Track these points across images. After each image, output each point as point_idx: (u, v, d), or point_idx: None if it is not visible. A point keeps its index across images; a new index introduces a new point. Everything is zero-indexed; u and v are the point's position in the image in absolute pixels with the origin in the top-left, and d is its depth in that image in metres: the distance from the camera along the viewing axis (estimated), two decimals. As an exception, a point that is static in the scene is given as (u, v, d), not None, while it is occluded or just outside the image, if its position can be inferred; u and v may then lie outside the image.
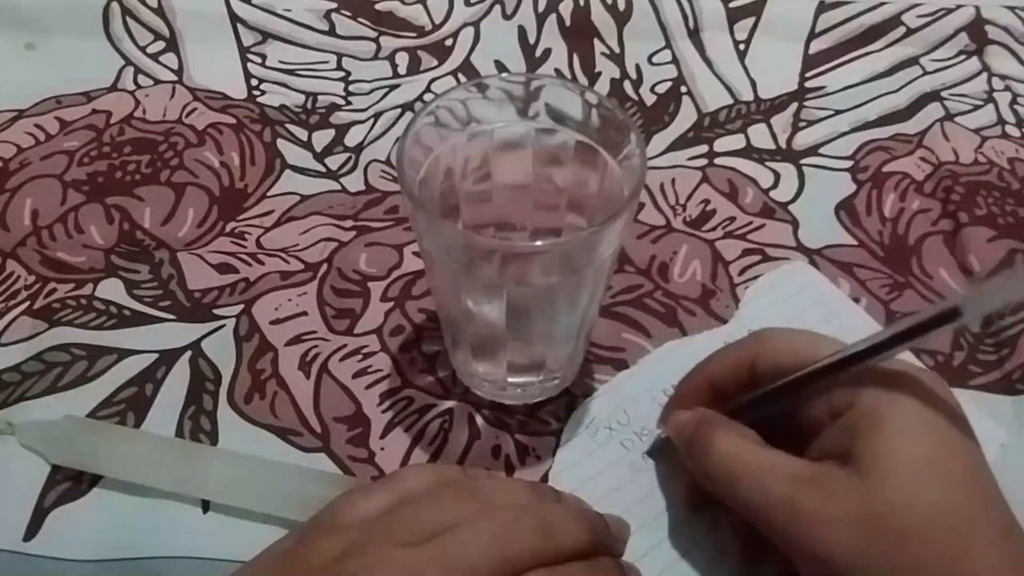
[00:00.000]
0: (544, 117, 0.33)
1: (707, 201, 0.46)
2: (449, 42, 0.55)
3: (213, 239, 0.44)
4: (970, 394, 0.38)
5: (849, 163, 0.48)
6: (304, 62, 0.53)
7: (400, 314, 0.41)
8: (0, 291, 0.41)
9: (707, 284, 0.42)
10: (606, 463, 0.35)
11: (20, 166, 0.47)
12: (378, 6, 0.56)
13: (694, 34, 0.55)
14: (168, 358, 0.39)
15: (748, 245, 0.44)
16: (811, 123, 0.51)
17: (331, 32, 0.55)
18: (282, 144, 0.49)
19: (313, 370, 0.39)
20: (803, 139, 0.50)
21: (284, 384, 0.38)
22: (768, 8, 0.56)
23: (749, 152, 0.49)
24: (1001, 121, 0.51)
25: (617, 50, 0.54)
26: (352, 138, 0.49)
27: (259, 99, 0.51)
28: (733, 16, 0.56)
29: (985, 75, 0.53)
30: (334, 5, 0.55)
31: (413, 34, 0.55)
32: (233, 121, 0.50)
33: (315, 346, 0.39)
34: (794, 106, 0.51)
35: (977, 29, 0.55)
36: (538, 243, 0.32)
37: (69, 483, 0.35)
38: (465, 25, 0.55)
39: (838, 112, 0.51)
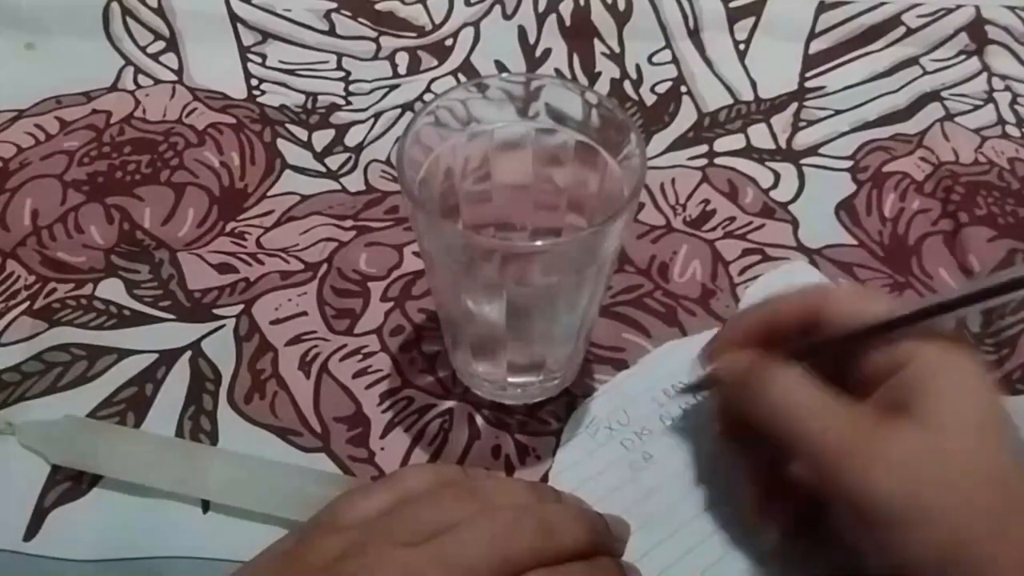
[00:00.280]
0: (544, 117, 0.33)
1: (707, 201, 0.46)
2: (449, 42, 0.55)
3: (213, 239, 0.44)
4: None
5: (849, 163, 0.48)
6: (304, 62, 0.53)
7: (400, 314, 0.41)
8: (0, 291, 0.41)
9: (707, 284, 0.42)
10: (606, 463, 0.36)
11: (20, 166, 0.47)
12: (378, 6, 0.56)
13: (694, 34, 0.55)
14: (168, 358, 0.39)
15: (748, 245, 0.44)
16: (811, 123, 0.51)
17: (331, 32, 0.55)
18: (282, 144, 0.49)
19: (313, 370, 0.39)
20: (803, 139, 0.50)
21: (284, 384, 0.38)
22: (768, 8, 0.56)
23: (749, 152, 0.49)
24: (1001, 121, 0.51)
25: (617, 50, 0.54)
26: (352, 138, 0.49)
27: (259, 99, 0.51)
28: (733, 16, 0.56)
29: (985, 75, 0.53)
30: (334, 5, 0.55)
31: (413, 34, 0.55)
32: (233, 121, 0.50)
33: (315, 346, 0.39)
34: (794, 106, 0.51)
35: (977, 29, 0.55)
36: (538, 243, 0.32)
37: (69, 483, 0.35)
38: (465, 25, 0.55)
39: (838, 112, 0.51)
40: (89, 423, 0.36)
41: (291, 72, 0.53)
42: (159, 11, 0.54)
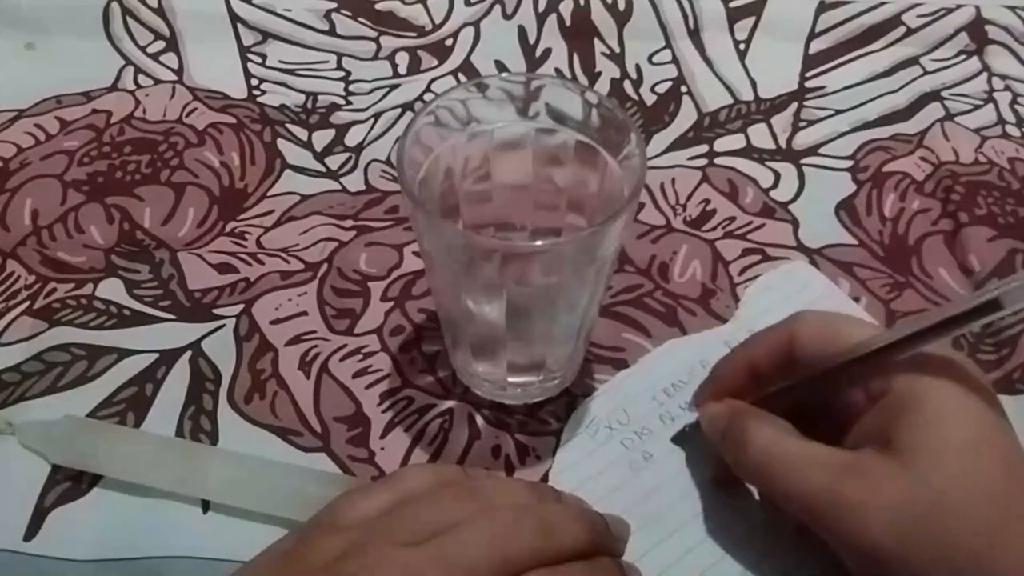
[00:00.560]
0: (544, 117, 0.33)
1: (707, 201, 0.46)
2: (449, 42, 0.54)
3: (213, 239, 0.44)
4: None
5: (849, 163, 0.48)
6: (304, 62, 0.53)
7: (400, 314, 0.41)
8: (0, 291, 0.41)
9: (707, 284, 0.42)
10: (606, 463, 0.35)
11: (20, 166, 0.47)
12: (378, 6, 0.56)
13: (694, 34, 0.55)
14: (168, 358, 0.39)
15: (748, 245, 0.44)
16: (811, 123, 0.51)
17: (331, 32, 0.55)
18: (282, 144, 0.49)
19: (313, 370, 0.39)
20: (803, 139, 0.50)
21: (284, 384, 0.38)
22: (768, 8, 0.56)
23: (749, 152, 0.49)
24: (1001, 121, 0.51)
25: (617, 50, 0.54)
26: (352, 138, 0.49)
27: (259, 99, 0.51)
28: (733, 16, 0.56)
29: (985, 75, 0.53)
30: (334, 5, 0.55)
31: (413, 34, 0.55)
32: (233, 121, 0.50)
33: (315, 346, 0.39)
34: (794, 106, 0.51)
35: (977, 29, 0.55)
36: (538, 243, 0.32)
37: (69, 483, 0.35)
38: (465, 25, 0.55)
39: (838, 112, 0.51)
40: (89, 423, 0.36)
41: (291, 72, 0.53)
42: (159, 11, 0.54)
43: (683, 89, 0.52)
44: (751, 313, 0.40)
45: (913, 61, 0.54)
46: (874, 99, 0.52)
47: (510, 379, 0.36)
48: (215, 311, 0.41)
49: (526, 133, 0.33)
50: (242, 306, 0.41)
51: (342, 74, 0.53)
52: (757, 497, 0.34)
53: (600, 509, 0.29)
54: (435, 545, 0.25)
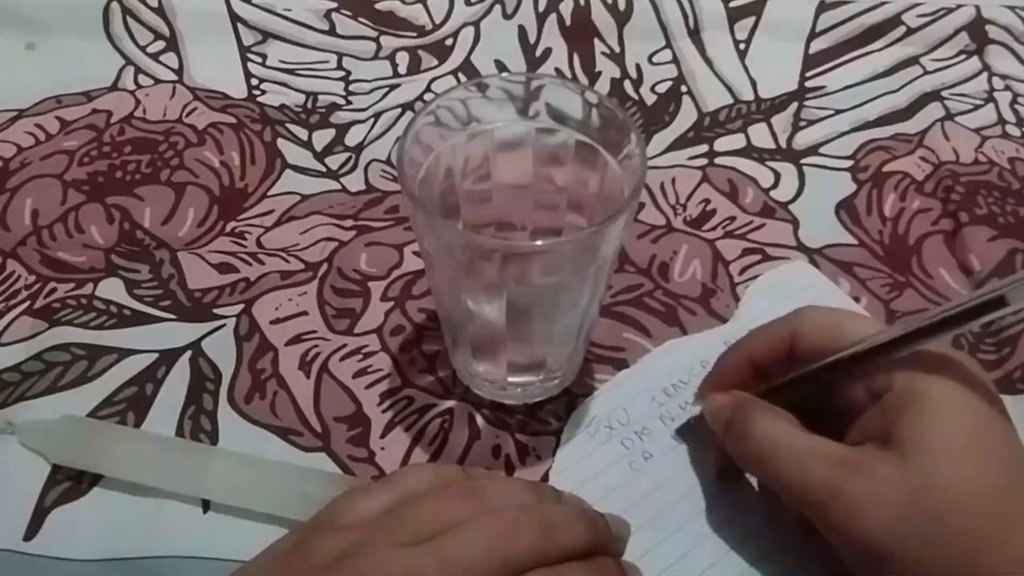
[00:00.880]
0: (544, 117, 0.33)
1: (707, 201, 0.46)
2: (449, 42, 0.54)
3: (213, 239, 0.44)
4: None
5: (849, 163, 0.48)
6: (304, 62, 0.53)
7: (400, 314, 0.41)
8: (0, 291, 0.41)
9: (707, 283, 0.42)
10: (606, 463, 0.35)
11: (20, 166, 0.47)
12: (378, 6, 0.56)
13: (694, 34, 0.55)
14: (168, 358, 0.39)
15: (748, 244, 0.44)
16: (811, 123, 0.51)
17: (331, 32, 0.55)
18: (282, 144, 0.49)
19: (313, 370, 0.39)
20: (803, 139, 0.50)
21: (284, 384, 0.38)
22: (768, 8, 0.56)
23: (749, 152, 0.49)
24: (1001, 121, 0.51)
25: (617, 50, 0.54)
26: (352, 138, 0.49)
27: (259, 99, 0.51)
28: (733, 16, 0.56)
29: (985, 75, 0.53)
30: (334, 5, 0.55)
31: (413, 34, 0.55)
32: (233, 121, 0.50)
33: (315, 346, 0.39)
34: (794, 106, 0.51)
35: (977, 29, 0.55)
36: (538, 243, 0.32)
37: (69, 483, 0.35)
38: (465, 25, 0.55)
39: (838, 112, 0.51)
40: (89, 423, 0.36)
41: (291, 72, 0.53)
42: (159, 11, 0.54)
43: (683, 89, 0.52)
44: (751, 313, 0.40)
45: (913, 61, 0.54)
46: (874, 99, 0.52)
47: (510, 379, 0.36)
48: (215, 311, 0.41)
49: (526, 133, 0.33)
50: (242, 306, 0.41)
51: (342, 74, 0.53)
52: (759, 494, 0.34)
53: (600, 509, 0.29)
54: (435, 545, 0.25)
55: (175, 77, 0.52)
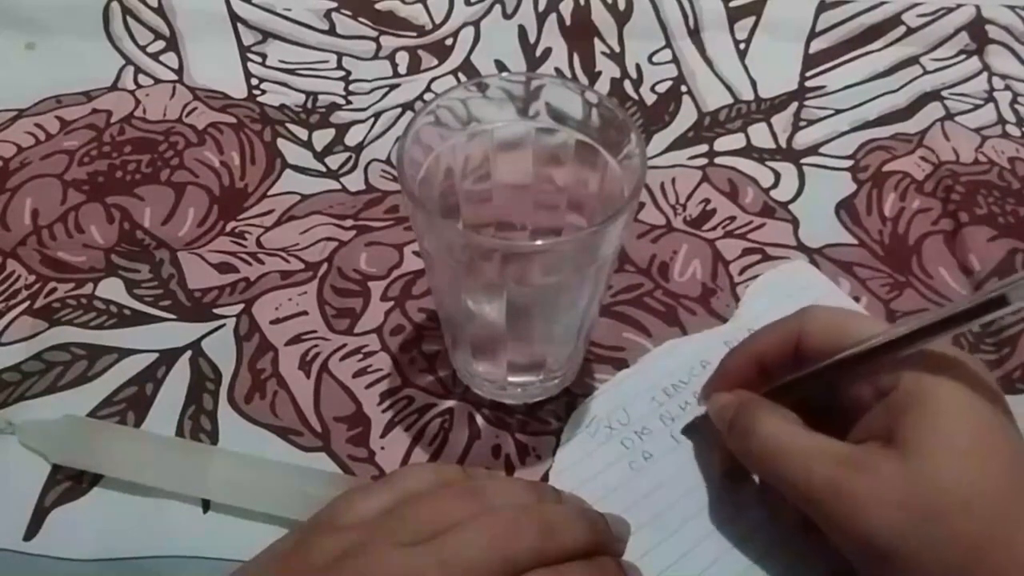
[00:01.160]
0: (544, 116, 0.33)
1: (707, 200, 0.46)
2: (449, 41, 0.54)
3: (213, 239, 0.44)
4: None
5: (849, 162, 0.48)
6: (304, 62, 0.53)
7: (400, 313, 0.41)
8: (0, 291, 0.41)
9: (707, 283, 0.42)
10: (606, 463, 0.35)
11: (20, 166, 0.47)
12: (378, 5, 0.56)
13: (694, 33, 0.55)
14: (168, 358, 0.39)
15: (748, 244, 0.44)
16: (811, 122, 0.51)
17: (331, 31, 0.55)
18: (282, 144, 0.49)
19: (313, 370, 0.39)
20: (803, 138, 0.50)
21: (284, 384, 0.38)
22: (768, 7, 0.56)
23: (749, 151, 0.49)
24: (1001, 120, 0.51)
25: (617, 49, 0.54)
26: (352, 137, 0.49)
27: (259, 99, 0.51)
28: (733, 15, 0.56)
29: (985, 74, 0.53)
30: (334, 4, 0.55)
31: (413, 33, 0.55)
32: (233, 121, 0.50)
33: (315, 345, 0.39)
34: (794, 105, 0.51)
35: (977, 28, 0.55)
36: (538, 243, 0.32)
37: (69, 483, 0.35)
38: (465, 24, 0.55)
39: (838, 111, 0.51)
40: (89, 423, 0.36)
41: (291, 72, 0.53)
42: (159, 10, 0.54)
43: (683, 89, 0.52)
44: (751, 313, 0.40)
45: (913, 61, 0.54)
46: (874, 99, 0.52)
47: (510, 379, 0.36)
48: (215, 311, 0.41)
49: (526, 133, 0.33)
50: (242, 306, 0.41)
51: (342, 74, 0.53)
52: (760, 493, 0.34)
53: (600, 509, 0.29)
54: (435, 545, 0.25)
55: (175, 77, 0.52)
